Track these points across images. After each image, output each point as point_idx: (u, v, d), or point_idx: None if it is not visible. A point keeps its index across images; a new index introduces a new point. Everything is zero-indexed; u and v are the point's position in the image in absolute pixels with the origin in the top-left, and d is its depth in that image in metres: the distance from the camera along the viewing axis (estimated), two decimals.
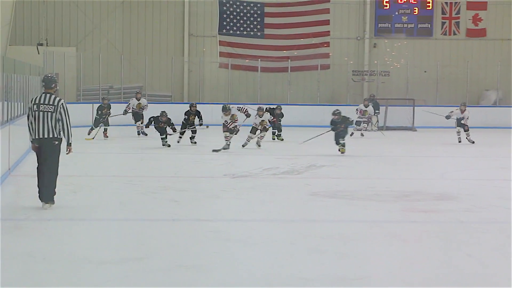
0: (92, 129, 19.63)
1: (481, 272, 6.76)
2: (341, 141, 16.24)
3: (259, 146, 17.92)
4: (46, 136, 9.33)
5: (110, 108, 20.04)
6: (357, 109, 21.89)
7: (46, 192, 9.27)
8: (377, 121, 26.09)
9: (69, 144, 9.46)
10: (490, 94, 29.08)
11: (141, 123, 20.18)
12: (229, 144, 17.48)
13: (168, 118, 18.51)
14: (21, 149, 14.78)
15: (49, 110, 9.40)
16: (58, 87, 10.16)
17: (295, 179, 12.83)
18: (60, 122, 9.43)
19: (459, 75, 29.60)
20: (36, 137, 9.19)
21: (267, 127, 18.78)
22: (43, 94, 9.48)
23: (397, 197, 10.73)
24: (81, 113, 23.72)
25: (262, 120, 18.24)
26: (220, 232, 7.97)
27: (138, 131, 21.00)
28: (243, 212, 9.69)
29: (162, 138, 18.33)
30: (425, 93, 28.49)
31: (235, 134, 17.90)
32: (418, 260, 6.92)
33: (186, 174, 13.36)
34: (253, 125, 18.33)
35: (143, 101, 21.51)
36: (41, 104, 8.99)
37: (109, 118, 19.66)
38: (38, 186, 9.40)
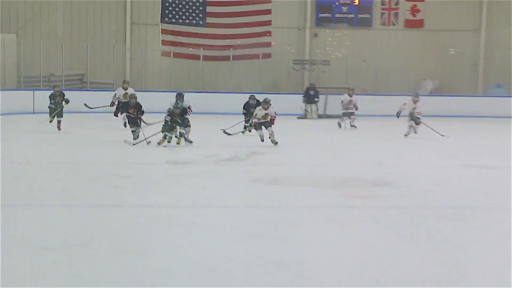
0: (50, 121, 18.68)
1: (417, 252, 6.90)
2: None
3: (276, 143, 16.15)
4: None
5: (64, 95, 19.02)
6: (342, 100, 21.88)
7: None
8: (317, 109, 26.26)
9: None
10: (426, 83, 29.47)
11: None
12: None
13: (138, 102, 16.80)
14: None
15: None
16: None
17: (237, 166, 12.88)
18: None
19: (397, 65, 30.04)
20: None
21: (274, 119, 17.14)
22: None
23: (336, 183, 10.84)
24: (22, 100, 23.67)
25: (266, 114, 16.63)
26: (162, 217, 8.03)
27: (125, 123, 19.14)
28: (185, 198, 9.72)
29: (132, 131, 16.46)
30: (364, 82, 28.66)
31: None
32: (356, 244, 7.05)
33: (129, 161, 13.40)
34: (255, 120, 17.11)
35: (130, 90, 19.71)
36: None
37: (63, 108, 18.49)
38: None
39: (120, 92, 19.70)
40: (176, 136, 15.67)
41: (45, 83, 26.31)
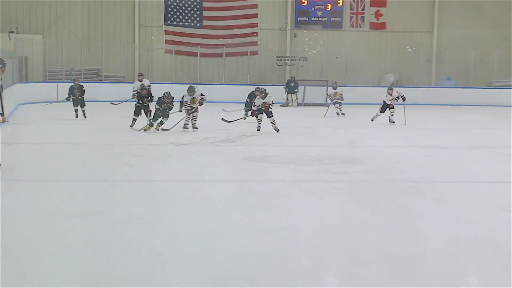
0: (76, 110, 17.65)
1: (382, 218, 6.98)
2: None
3: (278, 130, 15.30)
4: None
5: (83, 88, 18.03)
6: (328, 94, 21.68)
7: None
8: (297, 98, 26.20)
9: (1, 114, 9.41)
10: (388, 76, 29.24)
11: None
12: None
13: (149, 90, 15.82)
14: None
15: None
16: (6, 68, 9.96)
17: (229, 146, 12.66)
18: None
19: (364, 61, 29.80)
20: None
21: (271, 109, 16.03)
22: None
23: (312, 161, 10.84)
24: (47, 91, 23.70)
25: (264, 102, 15.68)
26: (167, 190, 8.01)
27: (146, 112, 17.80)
28: (185, 173, 9.67)
29: (134, 119, 15.27)
30: (336, 75, 27.81)
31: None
32: (331, 213, 7.09)
33: (139, 143, 13.21)
34: (254, 107, 15.94)
35: (146, 81, 19.15)
36: None
37: (83, 97, 17.70)
38: None
39: (136, 84, 18.91)
40: (158, 123, 14.88)
41: (67, 76, 26.18)
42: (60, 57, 26.97)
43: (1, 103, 9.45)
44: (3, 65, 9.49)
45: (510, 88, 27.93)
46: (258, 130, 14.94)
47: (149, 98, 15.37)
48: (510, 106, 24.46)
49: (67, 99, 18.00)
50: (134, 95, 18.48)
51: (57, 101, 21.80)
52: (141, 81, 18.76)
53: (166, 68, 29.14)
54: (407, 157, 11.52)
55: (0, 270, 4.45)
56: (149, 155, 11.35)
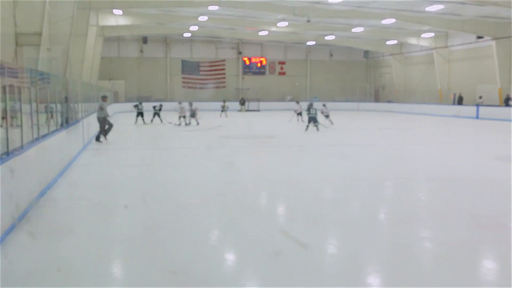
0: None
1: (291, 161, 10.57)
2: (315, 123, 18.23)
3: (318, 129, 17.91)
4: None
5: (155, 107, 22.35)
6: (294, 109, 23.61)
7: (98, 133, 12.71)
8: (246, 107, 36.06)
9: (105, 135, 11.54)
10: (287, 96, 40.81)
11: None
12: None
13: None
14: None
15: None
16: (108, 99, 10.99)
17: (212, 131, 15.94)
18: None
19: (276, 89, 41.33)
20: None
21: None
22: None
23: (254, 137, 14.51)
24: (128, 107, 25.15)
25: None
26: (180, 152, 11.63)
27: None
28: (186, 144, 12.50)
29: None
30: (262, 95, 39.67)
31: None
32: (265, 165, 9.77)
33: (169, 131, 16.79)
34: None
35: (187, 104, 21.73)
36: None
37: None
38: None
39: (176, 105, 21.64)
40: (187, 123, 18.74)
41: (135, 100, 30.44)
42: (134, 91, 38.56)
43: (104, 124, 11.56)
44: (107, 96, 11.14)
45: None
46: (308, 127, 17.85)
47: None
48: None
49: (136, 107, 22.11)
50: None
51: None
52: (180, 103, 21.79)
53: (182, 94, 38.94)
54: (302, 134, 15.58)
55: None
56: (173, 136, 14.82)
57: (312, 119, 18.18)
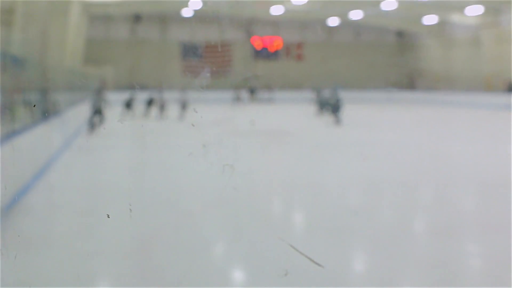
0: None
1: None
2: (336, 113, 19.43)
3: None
4: None
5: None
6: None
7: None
8: (256, 97, 37.74)
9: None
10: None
11: None
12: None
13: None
14: None
15: None
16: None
17: (215, 126, 16.88)
18: None
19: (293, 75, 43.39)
20: None
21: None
22: None
23: (264, 134, 16.54)
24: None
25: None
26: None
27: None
28: (185, 141, 10.40)
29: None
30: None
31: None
32: (283, 166, 11.24)
33: (171, 124, 18.71)
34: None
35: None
36: None
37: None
38: None
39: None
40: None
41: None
42: (124, 79, 38.88)
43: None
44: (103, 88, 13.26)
45: None
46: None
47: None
48: None
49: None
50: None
51: None
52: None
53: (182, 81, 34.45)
54: (318, 131, 17.78)
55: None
56: (170, 128, 17.61)
57: (334, 108, 19.02)
